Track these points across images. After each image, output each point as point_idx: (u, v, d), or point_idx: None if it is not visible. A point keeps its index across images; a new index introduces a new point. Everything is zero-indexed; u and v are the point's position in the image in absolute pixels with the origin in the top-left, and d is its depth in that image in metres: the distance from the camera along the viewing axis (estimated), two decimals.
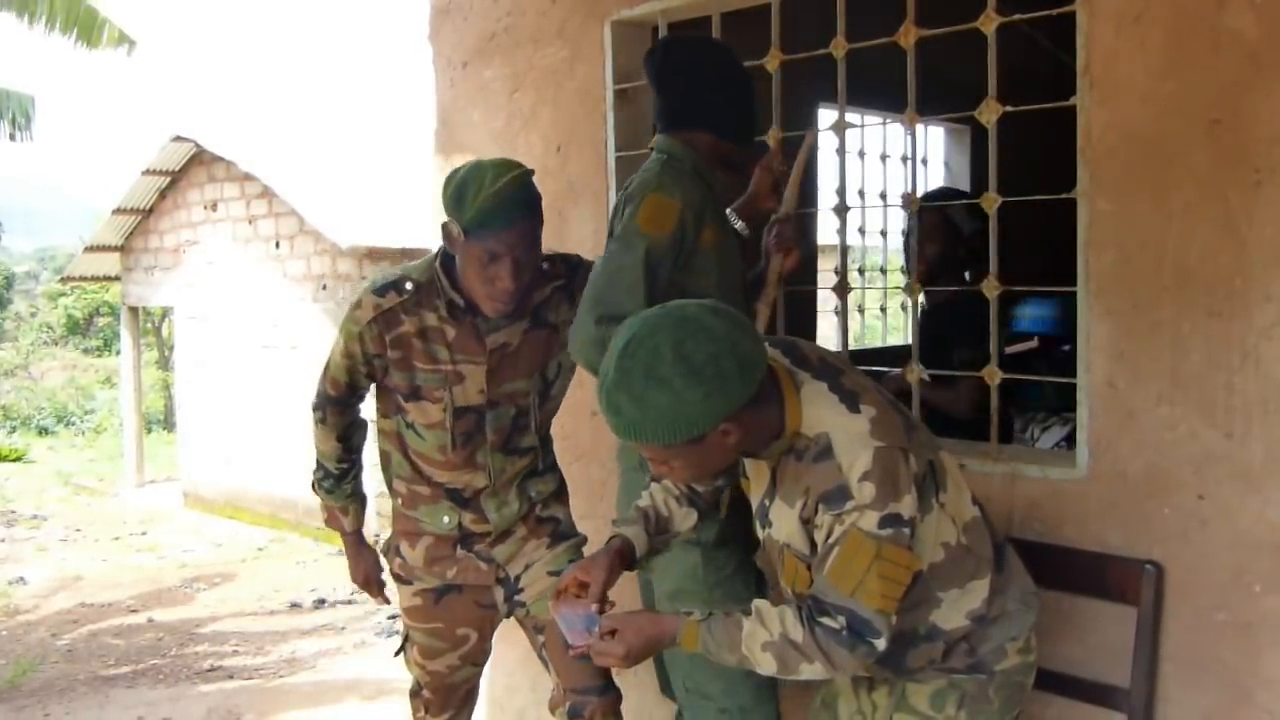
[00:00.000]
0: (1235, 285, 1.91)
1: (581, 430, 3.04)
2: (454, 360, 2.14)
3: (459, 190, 2.00)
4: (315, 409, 2.29)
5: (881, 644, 1.54)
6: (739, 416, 1.51)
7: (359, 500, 2.38)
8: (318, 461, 2.33)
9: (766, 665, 1.59)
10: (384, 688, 4.57)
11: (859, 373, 1.68)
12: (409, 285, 2.13)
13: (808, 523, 1.58)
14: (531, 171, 2.06)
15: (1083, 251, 2.09)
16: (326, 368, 2.24)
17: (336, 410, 2.27)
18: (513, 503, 2.26)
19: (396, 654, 2.41)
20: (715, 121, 2.17)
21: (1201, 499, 1.97)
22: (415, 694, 2.41)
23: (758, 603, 1.62)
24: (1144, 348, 2.02)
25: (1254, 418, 1.91)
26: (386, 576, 2.45)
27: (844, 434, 1.54)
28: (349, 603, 6.74)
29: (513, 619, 2.36)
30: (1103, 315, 2.07)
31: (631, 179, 2.17)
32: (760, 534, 1.73)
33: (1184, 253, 1.97)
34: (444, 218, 2.07)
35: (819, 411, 1.58)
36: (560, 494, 2.39)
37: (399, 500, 2.30)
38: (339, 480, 2.33)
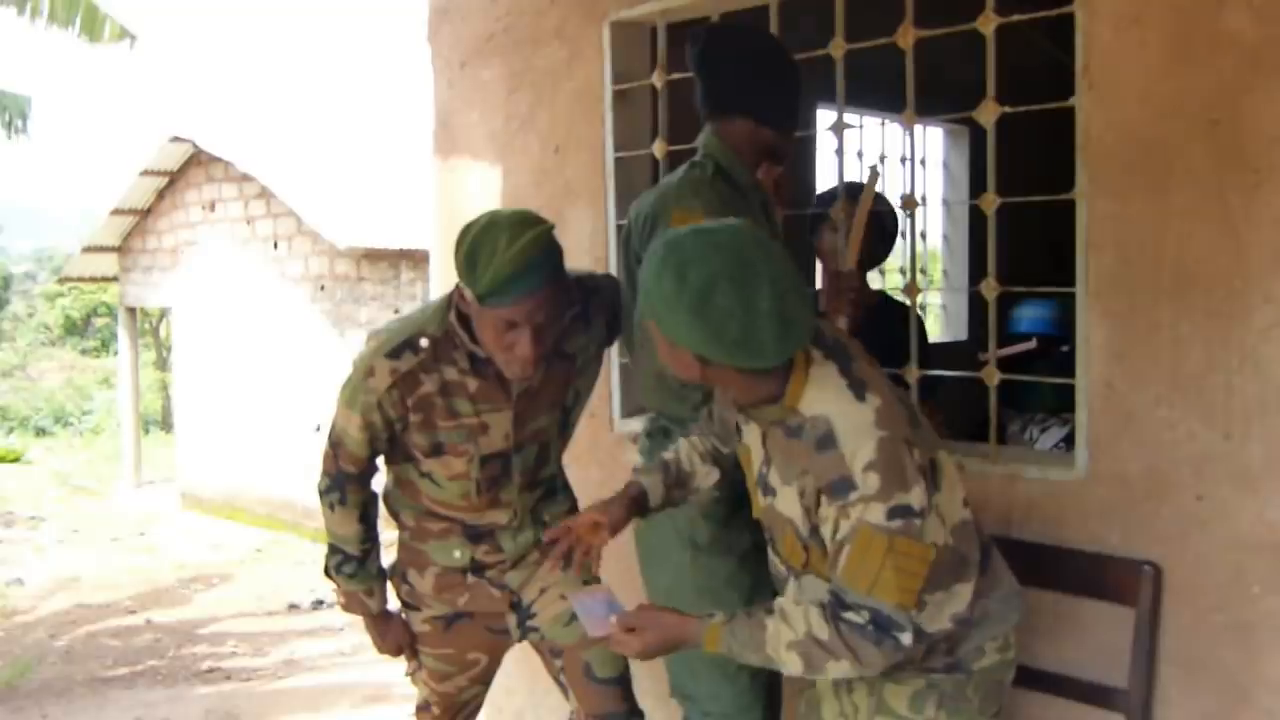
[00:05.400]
0: (1234, 286, 1.91)
1: (580, 431, 3.03)
2: (478, 412, 2.02)
3: (471, 254, 1.83)
4: (328, 491, 2.10)
5: (907, 638, 1.51)
6: (723, 366, 1.52)
7: (383, 578, 2.21)
8: (335, 547, 2.15)
9: (792, 665, 1.56)
10: (382, 690, 4.57)
11: (870, 362, 1.65)
12: (424, 342, 1.98)
13: (809, 510, 1.57)
14: (551, 227, 1.88)
15: (1082, 252, 2.09)
16: (338, 446, 2.06)
17: (357, 487, 2.10)
18: (527, 530, 2.18)
19: (407, 674, 2.36)
20: (755, 107, 2.11)
21: (1200, 500, 1.97)
22: (423, 709, 2.37)
23: (780, 601, 1.59)
24: (1143, 349, 2.02)
25: (1253, 419, 1.91)
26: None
27: (847, 422, 1.51)
28: None
29: (526, 643, 2.29)
30: (1102, 316, 2.07)
31: (647, 194, 2.16)
32: (761, 502, 1.70)
33: (1183, 254, 1.96)
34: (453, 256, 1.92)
35: (823, 394, 1.55)
36: (572, 513, 2.30)
37: (406, 533, 2.21)
38: (362, 563, 2.15)
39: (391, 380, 1.97)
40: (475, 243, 1.84)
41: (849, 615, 1.51)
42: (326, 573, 2.19)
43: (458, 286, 1.93)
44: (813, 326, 1.55)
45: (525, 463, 2.13)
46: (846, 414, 1.52)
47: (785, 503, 1.62)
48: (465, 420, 2.02)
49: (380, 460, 2.15)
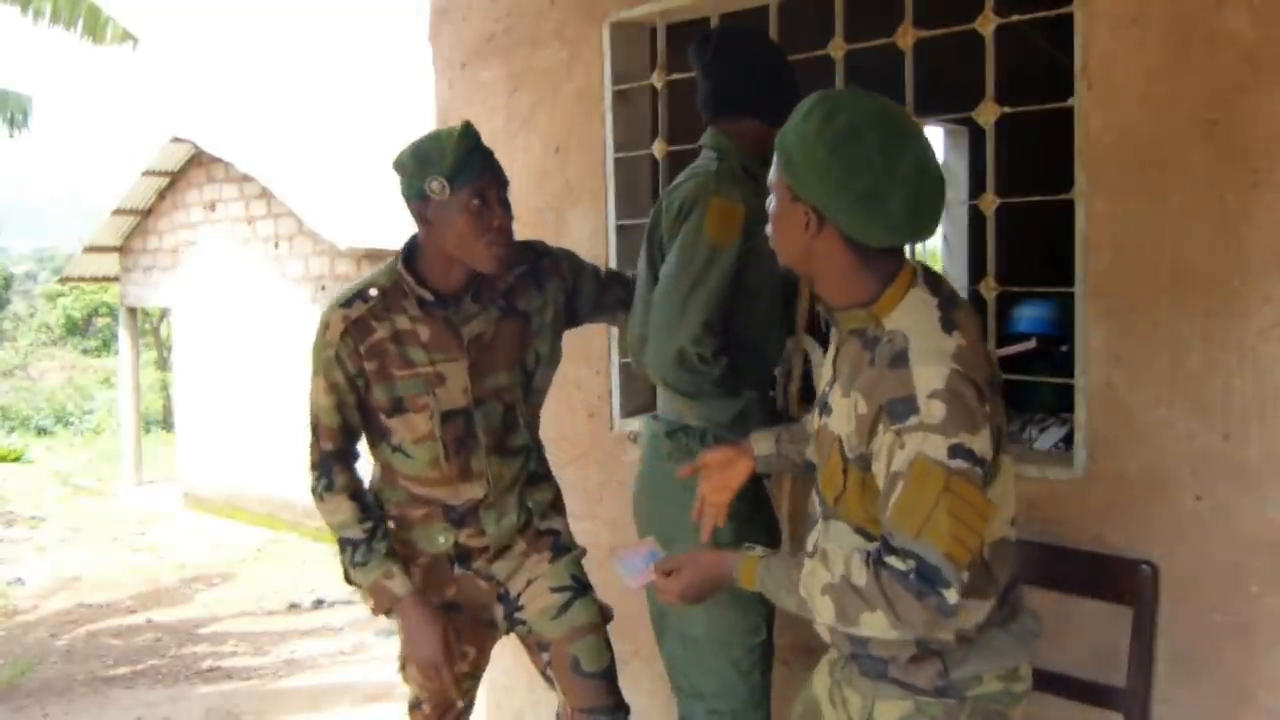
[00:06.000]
0: (1233, 286, 1.91)
1: (579, 431, 3.04)
2: (432, 361, 2.06)
3: (422, 156, 1.97)
4: (317, 480, 2.11)
5: (953, 597, 1.36)
6: (836, 237, 1.45)
7: (397, 557, 2.12)
8: (343, 541, 2.10)
9: (824, 612, 1.45)
10: (382, 690, 4.57)
11: (975, 323, 1.52)
12: (373, 291, 2.06)
13: (863, 431, 1.46)
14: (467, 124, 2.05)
15: (1080, 252, 2.09)
16: (315, 426, 2.10)
17: (340, 467, 2.10)
18: (511, 513, 2.18)
19: (399, 671, 2.37)
20: (764, 109, 2.16)
21: (1199, 499, 1.97)
22: (415, 708, 2.38)
23: (825, 545, 1.51)
24: (1142, 349, 2.02)
25: (1252, 418, 1.91)
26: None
27: (923, 343, 1.42)
28: (348, 603, 6.74)
29: (513, 635, 2.29)
30: (1100, 316, 2.07)
31: (680, 181, 2.16)
32: (817, 423, 1.63)
33: (1182, 254, 1.97)
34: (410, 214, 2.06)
35: (912, 314, 1.46)
36: (557, 504, 2.31)
37: (391, 523, 2.21)
38: (369, 542, 2.09)
39: (344, 327, 2.03)
40: (417, 150, 1.98)
41: (892, 560, 1.39)
42: (347, 578, 2.16)
43: (419, 201, 2.00)
44: (936, 225, 1.48)
45: (489, 422, 2.12)
46: (926, 336, 1.43)
47: (838, 418, 1.52)
48: (421, 369, 2.06)
49: (362, 447, 2.15)
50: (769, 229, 1.56)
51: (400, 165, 2.00)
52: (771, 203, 1.54)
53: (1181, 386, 1.98)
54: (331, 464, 2.10)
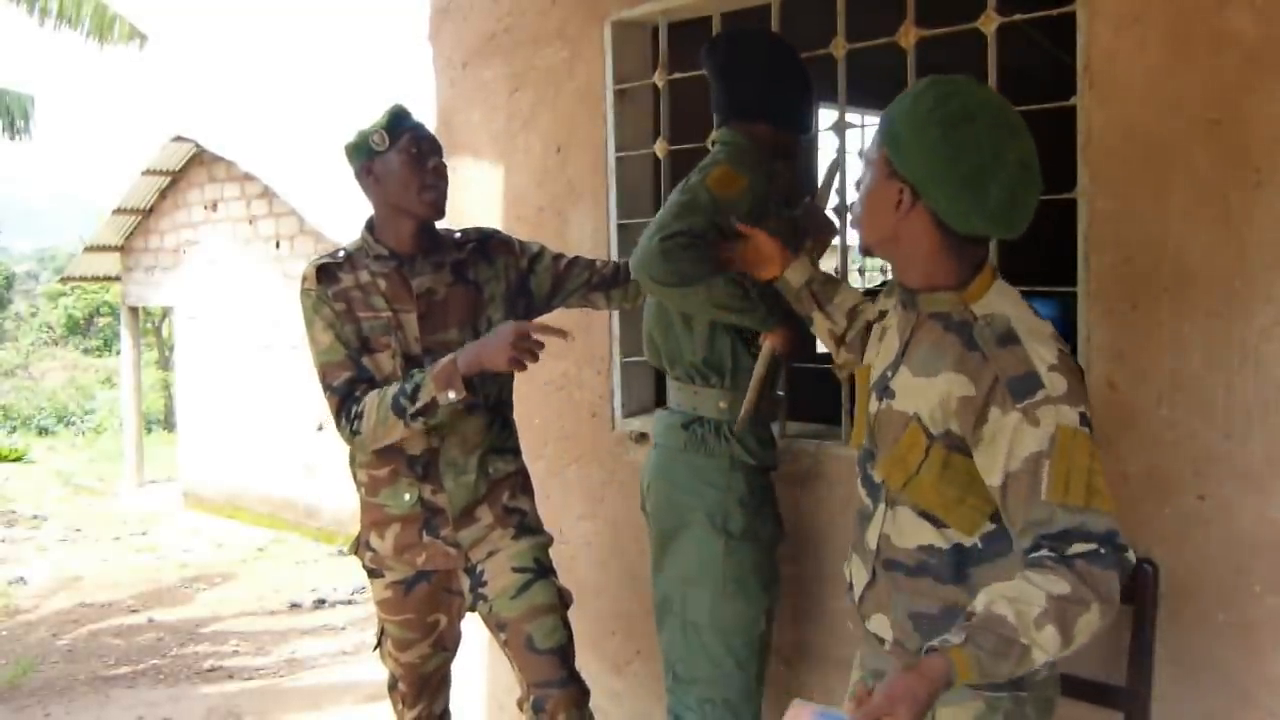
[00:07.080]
0: (1235, 286, 1.91)
1: (582, 431, 3.04)
2: (392, 309, 2.24)
3: (364, 127, 2.24)
4: (346, 422, 2.18)
5: (1133, 556, 1.35)
6: (927, 218, 1.46)
7: (423, 372, 2.15)
8: (393, 405, 2.13)
9: (1050, 642, 1.30)
10: (384, 689, 4.56)
11: None
12: (341, 252, 2.32)
13: (963, 408, 1.43)
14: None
15: (1083, 251, 2.09)
16: (325, 377, 2.21)
17: (362, 389, 2.18)
18: (470, 473, 2.27)
19: (375, 649, 2.45)
20: (777, 113, 2.21)
21: (1202, 499, 1.97)
22: (392, 688, 2.48)
23: (985, 595, 1.35)
24: (1144, 348, 2.02)
25: (1254, 418, 1.91)
26: (362, 574, 2.43)
27: (1027, 325, 1.45)
28: (349, 603, 6.75)
29: (477, 614, 2.36)
30: (1102, 315, 2.07)
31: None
32: (873, 408, 1.59)
33: (1184, 253, 1.97)
34: (359, 178, 2.30)
35: (1005, 301, 1.49)
36: (526, 485, 2.41)
37: (362, 490, 2.32)
38: (409, 377, 2.15)
39: (316, 274, 2.26)
40: (356, 134, 2.24)
41: (1079, 548, 1.33)
42: (415, 414, 2.13)
43: (366, 162, 2.24)
44: (1027, 223, 1.47)
45: None
46: (1026, 320, 1.46)
47: (910, 398, 1.51)
48: (381, 313, 2.24)
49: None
50: (856, 206, 1.57)
51: (348, 145, 2.27)
52: (865, 178, 1.54)
53: (1183, 386, 1.98)
54: (352, 390, 2.19)
